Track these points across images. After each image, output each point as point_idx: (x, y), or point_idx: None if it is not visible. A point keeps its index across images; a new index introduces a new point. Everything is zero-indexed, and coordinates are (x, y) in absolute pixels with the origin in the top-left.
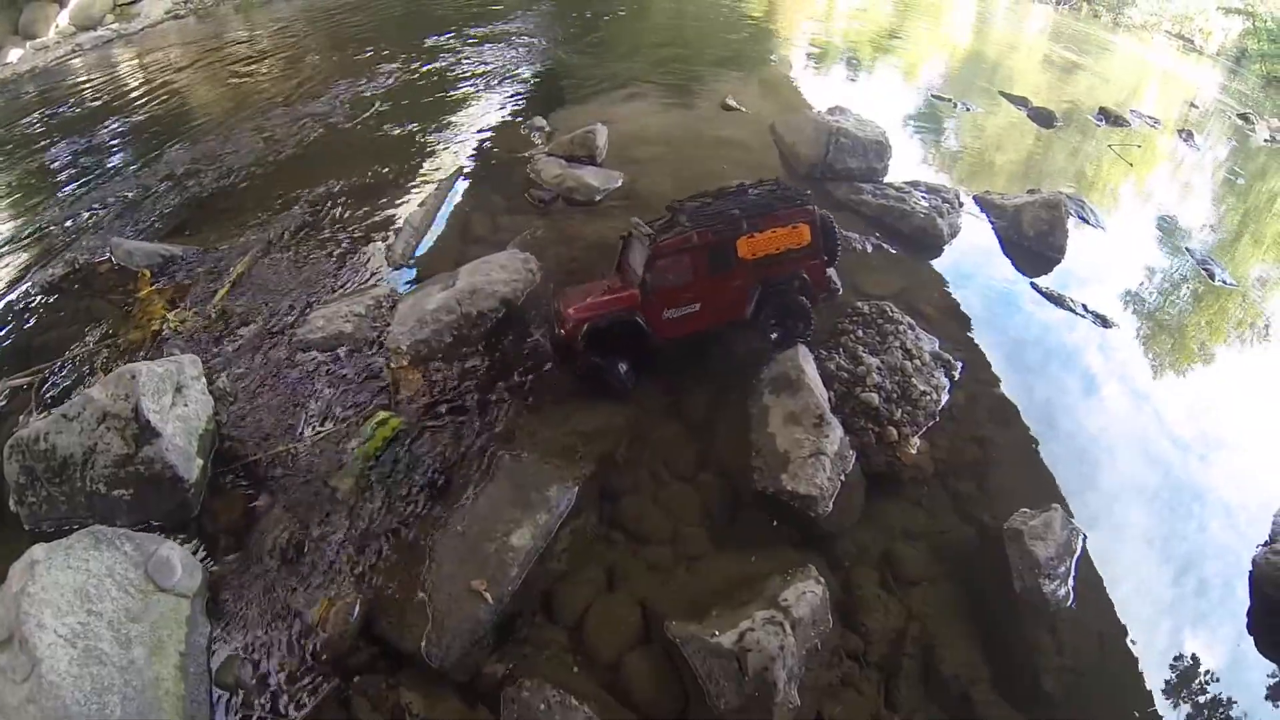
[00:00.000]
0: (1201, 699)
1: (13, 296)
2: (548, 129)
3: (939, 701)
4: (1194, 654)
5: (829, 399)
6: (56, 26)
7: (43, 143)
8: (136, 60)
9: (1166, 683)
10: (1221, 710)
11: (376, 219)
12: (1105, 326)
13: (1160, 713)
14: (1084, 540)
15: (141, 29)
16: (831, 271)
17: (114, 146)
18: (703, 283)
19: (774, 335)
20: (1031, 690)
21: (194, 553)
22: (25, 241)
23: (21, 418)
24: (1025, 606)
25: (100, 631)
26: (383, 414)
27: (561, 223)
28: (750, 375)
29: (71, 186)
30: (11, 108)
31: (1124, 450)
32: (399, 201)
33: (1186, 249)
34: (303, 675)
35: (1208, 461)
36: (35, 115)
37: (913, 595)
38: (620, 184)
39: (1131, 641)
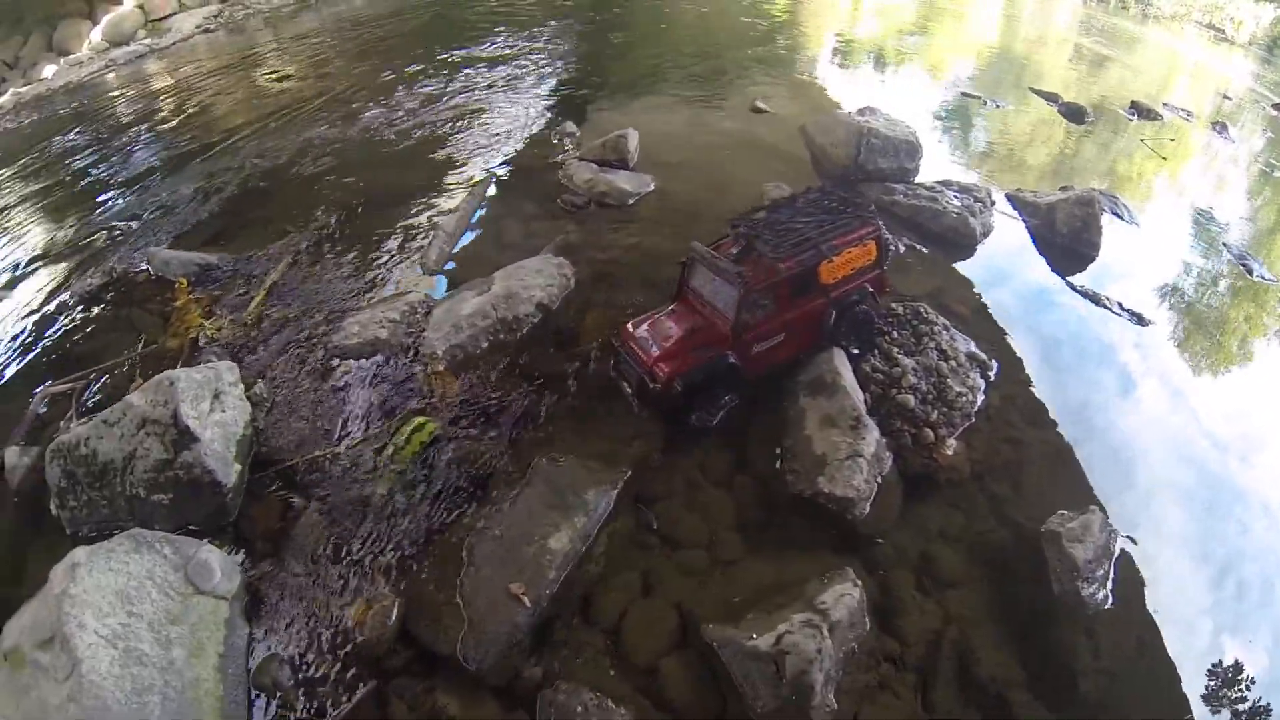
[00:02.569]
0: (1241, 705)
1: (52, 306)
2: (578, 134)
3: (976, 704)
4: (1234, 658)
5: (865, 401)
6: (89, 42)
7: (79, 156)
8: (168, 74)
9: (1205, 687)
10: (1261, 716)
11: (409, 225)
12: (1141, 324)
13: (1199, 717)
14: (1121, 542)
15: (173, 43)
16: None
17: (148, 158)
18: (786, 312)
19: (855, 350)
20: (1069, 693)
21: (232, 556)
22: (64, 253)
23: (63, 424)
24: (1063, 609)
25: (140, 633)
26: (419, 419)
27: (595, 227)
28: (785, 378)
29: (108, 198)
30: (47, 122)
31: (1161, 451)
32: (431, 208)
33: (1223, 244)
34: (339, 677)
35: (1248, 462)
36: (71, 129)
37: (950, 597)
38: (652, 188)
39: (1170, 645)
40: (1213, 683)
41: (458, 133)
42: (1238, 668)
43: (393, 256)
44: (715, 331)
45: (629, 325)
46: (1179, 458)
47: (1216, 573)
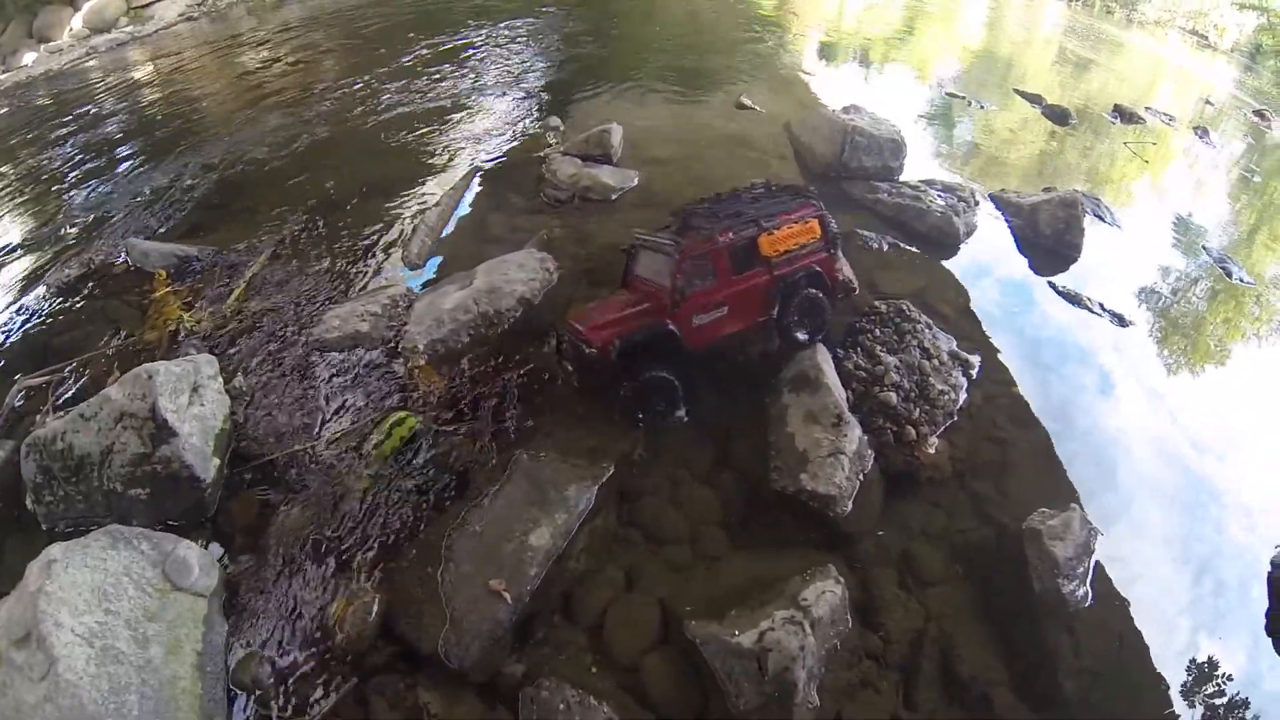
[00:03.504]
0: (1219, 701)
1: (29, 297)
2: (562, 128)
3: (958, 702)
4: (1212, 656)
5: (847, 398)
6: (71, 30)
7: (58, 145)
8: (150, 62)
9: (1185, 685)
10: (1239, 712)
11: (392, 219)
12: (1122, 325)
13: (1179, 714)
14: (1101, 540)
15: (155, 31)
16: (845, 267)
17: (128, 148)
18: (728, 284)
19: (802, 336)
20: (1051, 692)
21: (211, 552)
22: (41, 243)
23: (39, 417)
24: (1044, 607)
25: (118, 630)
26: (399, 413)
27: (578, 222)
28: (768, 374)
29: (87, 188)
30: (27, 110)
31: (1141, 450)
32: (414, 201)
33: (1203, 247)
34: (320, 675)
35: (1225, 461)
36: (50, 118)
37: (931, 595)
38: (636, 183)
39: (1150, 643)
40: (1191, 680)
41: (441, 126)
42: (1215, 665)
43: (375, 250)
44: (656, 305)
45: (577, 311)
46: (1159, 457)
47: (1195, 571)
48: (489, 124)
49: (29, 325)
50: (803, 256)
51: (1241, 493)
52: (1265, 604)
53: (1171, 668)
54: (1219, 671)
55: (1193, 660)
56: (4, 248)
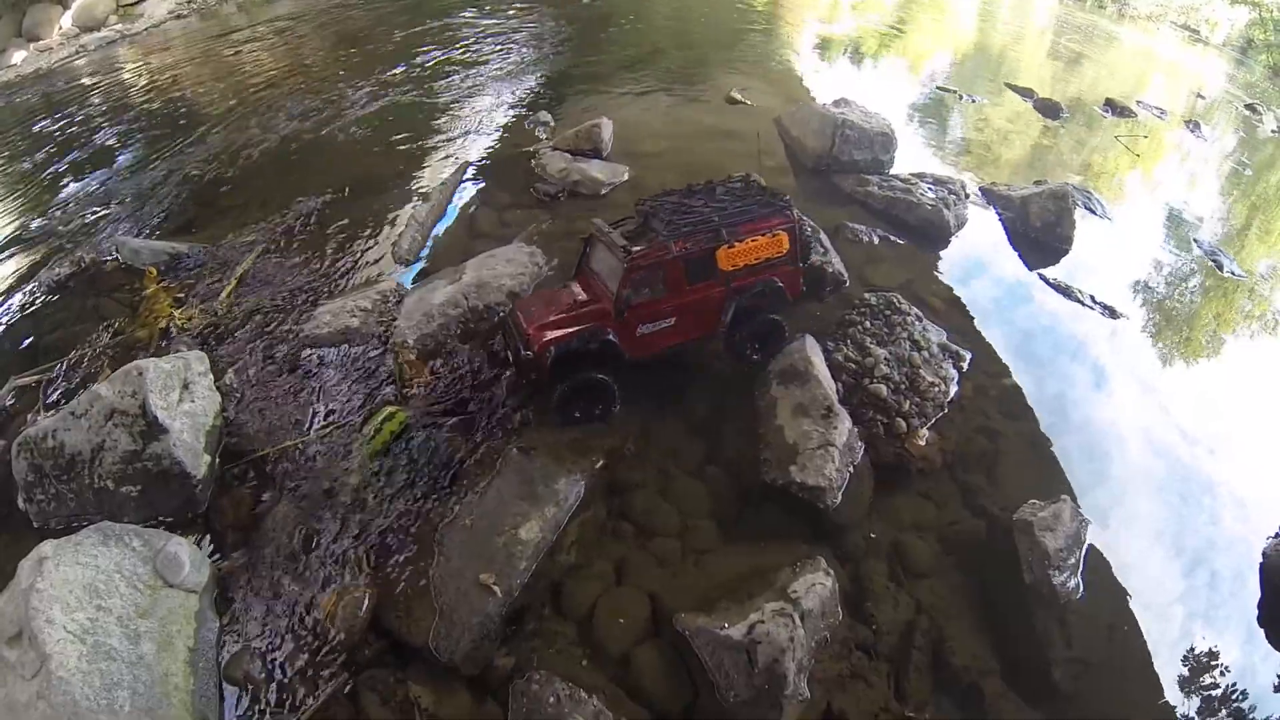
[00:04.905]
0: (1212, 692)
1: (20, 296)
2: (552, 123)
3: (949, 693)
4: (1204, 647)
5: (837, 390)
6: (60, 28)
7: (48, 144)
8: (140, 60)
9: (1177, 675)
10: (1232, 703)
11: (382, 215)
12: (1113, 318)
13: (1171, 705)
14: (1092, 531)
15: (145, 29)
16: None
17: (118, 146)
18: (678, 296)
19: (754, 356)
20: (1041, 682)
21: (202, 548)
22: (32, 241)
23: (30, 416)
24: (1035, 598)
25: (109, 627)
26: (389, 408)
27: (568, 217)
28: (757, 367)
29: (77, 186)
30: (16, 109)
31: (1132, 442)
32: (404, 196)
33: (1194, 240)
34: (311, 669)
35: (1216, 454)
36: (40, 117)
37: (922, 587)
38: (626, 178)
39: (1141, 634)
40: (1182, 671)
41: (432, 121)
42: (1206, 656)
43: (365, 245)
44: (601, 308)
45: (525, 298)
46: (1150, 449)
47: (1187, 562)
48: (479, 120)
49: (19, 324)
50: (763, 270)
51: (1233, 484)
52: (1258, 595)
53: (1163, 658)
54: (1210, 662)
55: (1184, 651)
56: None
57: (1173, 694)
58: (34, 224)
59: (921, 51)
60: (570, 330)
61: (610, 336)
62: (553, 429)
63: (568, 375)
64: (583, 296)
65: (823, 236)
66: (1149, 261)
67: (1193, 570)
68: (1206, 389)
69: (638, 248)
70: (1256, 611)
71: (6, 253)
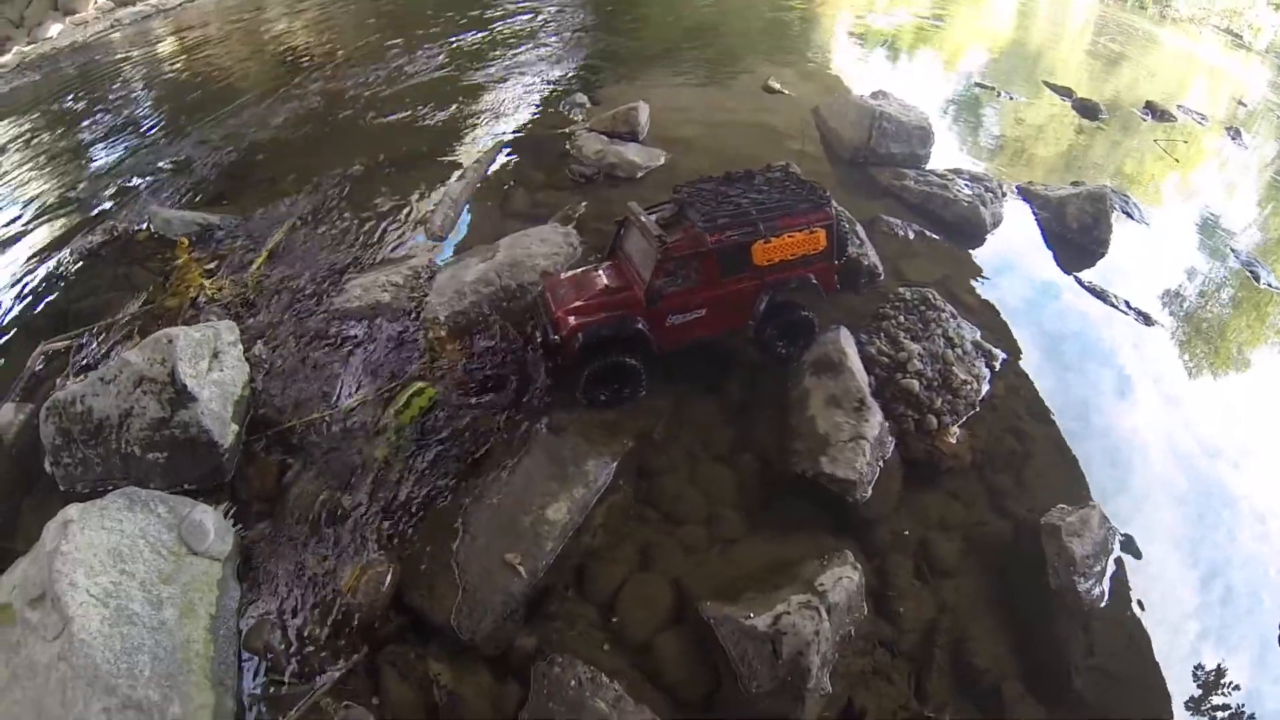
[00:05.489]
0: (1228, 712)
1: (52, 263)
2: (588, 105)
3: (968, 695)
4: (1227, 664)
5: (870, 383)
6: (95, 2)
7: (82, 116)
8: (175, 34)
9: (1194, 692)
10: None
11: (415, 191)
12: (1147, 324)
13: None
14: (1119, 540)
15: (180, 3)
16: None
17: (152, 119)
18: (711, 288)
19: (782, 351)
20: (1062, 689)
21: (226, 517)
22: (66, 210)
23: (59, 380)
24: (1058, 604)
25: (132, 592)
26: (419, 384)
27: (603, 199)
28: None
29: (111, 157)
30: (52, 82)
31: (1161, 452)
32: (437, 174)
33: (1231, 249)
34: (331, 642)
35: (1241, 468)
36: (75, 90)
37: (946, 586)
38: (663, 161)
39: (1163, 647)
40: (1201, 688)
41: (466, 99)
42: (1225, 674)
43: (397, 221)
44: (632, 295)
45: (555, 275)
46: (1179, 460)
47: (1207, 576)
48: (514, 99)
49: (51, 290)
50: (798, 266)
51: (1256, 500)
52: (1277, 613)
53: (1182, 672)
54: (1229, 680)
55: (1202, 666)
56: (30, 215)
57: (1190, 711)
58: (68, 193)
59: (959, 46)
60: (599, 316)
61: (640, 326)
62: (583, 409)
63: (595, 359)
64: (614, 281)
65: (859, 228)
66: (1184, 269)
67: (1215, 585)
68: (1235, 402)
69: (673, 238)
70: (1277, 631)
71: (41, 220)
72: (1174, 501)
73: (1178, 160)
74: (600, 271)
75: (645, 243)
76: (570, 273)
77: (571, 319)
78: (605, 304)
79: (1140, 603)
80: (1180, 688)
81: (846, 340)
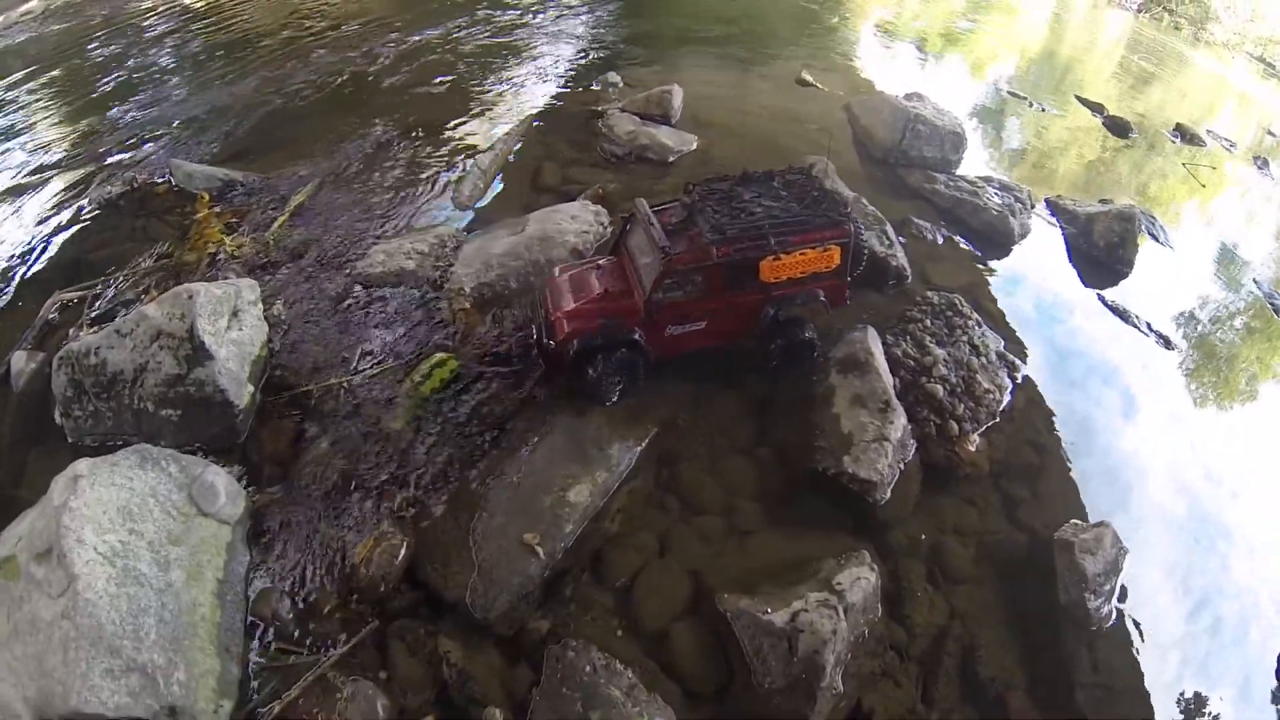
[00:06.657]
0: None
1: (69, 212)
2: (620, 85)
3: (974, 702)
4: (1223, 693)
5: (894, 385)
6: None
7: (107, 66)
8: None
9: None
10: None
11: (444, 159)
12: (1168, 347)
13: None
14: (1130, 560)
15: None
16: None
17: (176, 71)
18: (713, 301)
19: (774, 363)
20: (1065, 703)
21: (238, 479)
22: (85, 159)
23: (72, 331)
24: (1067, 619)
25: (140, 552)
26: (441, 355)
27: (633, 179)
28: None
29: (133, 108)
30: (75, 31)
31: (1177, 477)
32: (467, 144)
33: (1254, 280)
34: (341, 613)
35: (1261, 499)
36: (99, 38)
37: (958, 593)
38: (695, 146)
39: (1167, 669)
40: (1208, 712)
41: (497, 71)
42: (1233, 700)
43: (425, 188)
44: (631, 301)
45: (557, 269)
46: (1195, 486)
47: (1219, 605)
48: (546, 73)
49: (69, 239)
50: (808, 282)
51: (1273, 531)
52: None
53: (1185, 697)
54: (1232, 711)
55: (1203, 693)
56: (50, 163)
57: None
58: (89, 142)
59: (991, 53)
60: (595, 324)
61: (636, 336)
62: None
63: (589, 364)
64: (615, 284)
65: (889, 229)
66: (1206, 295)
67: (1224, 613)
68: (1247, 432)
69: (677, 249)
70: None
71: (60, 168)
72: (1193, 528)
73: (1204, 185)
74: (602, 269)
75: (649, 245)
76: (573, 268)
77: (567, 324)
78: (603, 310)
79: (1151, 626)
80: (1189, 711)
81: (873, 340)
